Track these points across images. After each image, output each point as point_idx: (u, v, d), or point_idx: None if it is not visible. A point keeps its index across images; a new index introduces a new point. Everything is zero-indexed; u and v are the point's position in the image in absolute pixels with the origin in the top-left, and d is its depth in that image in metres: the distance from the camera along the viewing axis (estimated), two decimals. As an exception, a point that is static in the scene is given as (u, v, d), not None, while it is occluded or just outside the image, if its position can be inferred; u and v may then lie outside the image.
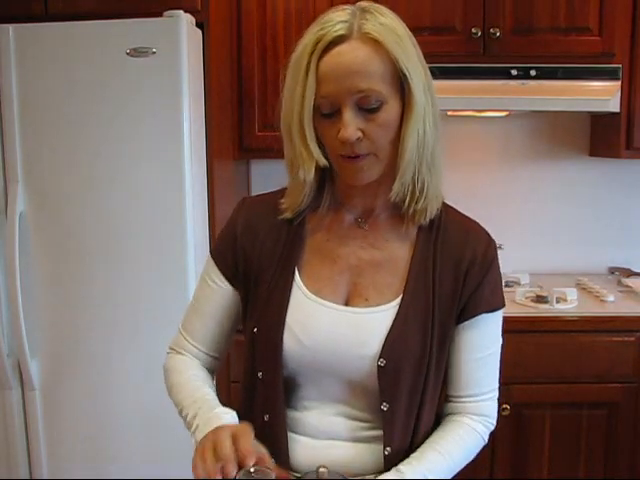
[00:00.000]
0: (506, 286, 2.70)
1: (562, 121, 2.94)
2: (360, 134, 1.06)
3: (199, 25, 2.22)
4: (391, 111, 1.07)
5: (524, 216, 2.99)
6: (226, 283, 1.24)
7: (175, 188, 2.12)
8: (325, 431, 1.16)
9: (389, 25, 1.07)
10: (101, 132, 2.11)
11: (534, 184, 2.98)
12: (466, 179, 2.96)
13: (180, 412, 1.18)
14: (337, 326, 1.13)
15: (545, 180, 2.98)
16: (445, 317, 1.15)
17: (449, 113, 2.76)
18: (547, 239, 2.99)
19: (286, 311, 1.14)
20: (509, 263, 2.87)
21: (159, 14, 2.08)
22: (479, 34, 2.48)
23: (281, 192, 1.23)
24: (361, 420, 1.16)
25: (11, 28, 2.09)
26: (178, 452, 2.18)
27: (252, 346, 1.18)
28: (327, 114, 1.07)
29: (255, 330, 1.16)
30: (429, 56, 2.50)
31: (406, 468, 1.09)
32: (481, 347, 1.20)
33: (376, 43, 1.04)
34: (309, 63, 1.05)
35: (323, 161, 1.11)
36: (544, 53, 2.49)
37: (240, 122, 2.59)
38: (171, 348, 1.31)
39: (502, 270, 2.91)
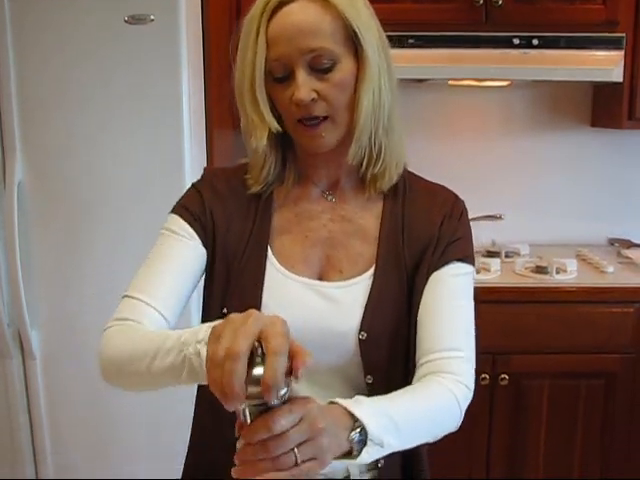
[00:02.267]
0: (506, 256, 2.70)
1: (564, 91, 2.91)
2: (315, 95, 1.05)
3: (198, -9, 2.19)
4: (345, 70, 1.06)
5: (524, 187, 2.98)
6: (192, 234, 1.15)
7: (174, 159, 2.11)
8: None
9: None
10: (99, 101, 2.09)
11: (535, 155, 2.97)
12: (466, 149, 2.95)
13: (154, 355, 0.92)
14: (315, 302, 1.12)
15: (546, 151, 2.96)
16: (419, 281, 1.13)
17: (450, 82, 2.75)
18: (547, 210, 2.98)
19: (262, 289, 1.11)
20: (509, 233, 2.87)
21: (157, -20, 2.05)
22: (481, 2, 2.43)
23: (243, 167, 1.21)
24: None
25: (7, -4, 2.06)
26: (179, 419, 2.21)
27: None
28: (280, 78, 1.06)
29: (225, 311, 1.10)
30: (431, 24, 2.51)
31: (366, 399, 0.95)
32: (450, 295, 1.12)
33: (325, 2, 1.04)
34: (259, 26, 1.04)
35: (275, 126, 1.09)
36: (547, 22, 2.46)
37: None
38: (115, 320, 1.08)
39: (502, 240, 2.93)
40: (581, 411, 2.41)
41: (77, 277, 2.19)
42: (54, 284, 2.19)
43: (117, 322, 1.07)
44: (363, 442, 0.89)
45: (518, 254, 2.74)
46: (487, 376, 2.33)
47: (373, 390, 1.09)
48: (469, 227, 1.20)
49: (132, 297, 1.09)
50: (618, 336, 2.35)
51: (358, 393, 1.09)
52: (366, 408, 0.91)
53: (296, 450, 0.79)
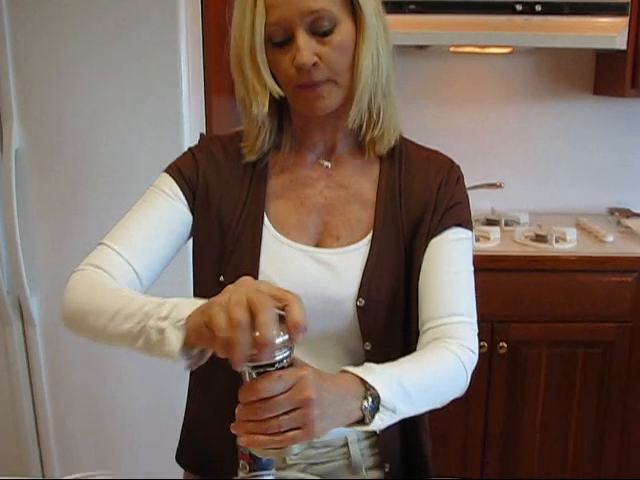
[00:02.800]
0: (505, 225, 2.70)
1: (566, 58, 2.88)
2: (316, 59, 1.03)
3: (196, -45, 2.16)
4: (345, 32, 1.04)
5: (525, 155, 2.96)
6: (181, 197, 1.14)
7: (173, 127, 2.09)
8: None
9: None
10: (97, 67, 2.07)
11: (536, 122, 2.95)
12: (467, 117, 2.93)
13: (115, 313, 0.94)
14: (313, 269, 1.11)
15: (547, 119, 2.94)
16: (417, 247, 1.13)
17: (451, 49, 2.72)
18: (548, 178, 2.97)
19: (259, 256, 1.11)
20: (509, 202, 2.87)
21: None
22: (484, -33, 2.40)
23: (239, 134, 1.19)
24: None
25: (2, -42, 2.03)
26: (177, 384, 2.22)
27: None
28: (279, 43, 1.04)
29: (222, 279, 1.11)
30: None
31: (376, 366, 0.95)
32: (450, 261, 1.12)
33: None
34: None
35: (277, 90, 1.07)
36: (550, -13, 2.43)
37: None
38: (87, 264, 1.10)
39: (501, 209, 2.93)
40: (579, 379, 2.43)
41: (76, 244, 2.18)
42: (53, 251, 2.19)
43: (89, 267, 1.08)
44: (376, 409, 0.89)
45: (518, 223, 2.74)
46: (485, 344, 2.34)
47: (371, 357, 1.09)
48: (466, 192, 1.20)
49: (108, 246, 1.10)
50: (616, 305, 2.36)
51: (356, 360, 1.10)
52: (378, 374, 0.91)
53: (281, 417, 0.80)
